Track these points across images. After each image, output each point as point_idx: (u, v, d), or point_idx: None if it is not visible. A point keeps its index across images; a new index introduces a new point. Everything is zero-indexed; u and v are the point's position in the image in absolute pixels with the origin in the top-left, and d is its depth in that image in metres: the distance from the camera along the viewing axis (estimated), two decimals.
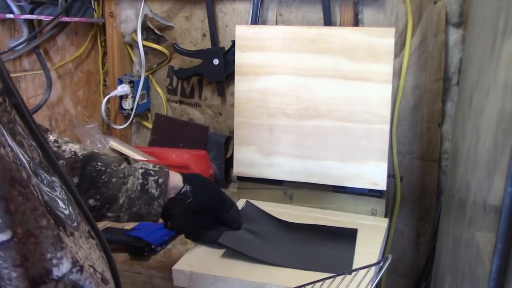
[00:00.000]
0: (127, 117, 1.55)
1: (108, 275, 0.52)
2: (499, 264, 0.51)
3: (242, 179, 1.23)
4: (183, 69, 1.49)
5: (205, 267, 0.91)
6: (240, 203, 1.20)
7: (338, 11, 1.32)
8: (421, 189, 1.36)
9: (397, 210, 1.34)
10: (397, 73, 1.28)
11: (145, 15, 1.48)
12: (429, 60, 1.28)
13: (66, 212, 0.49)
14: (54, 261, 0.42)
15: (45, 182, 0.48)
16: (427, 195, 1.35)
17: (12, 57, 1.66)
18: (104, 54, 1.57)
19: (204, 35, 1.47)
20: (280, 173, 1.19)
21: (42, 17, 1.56)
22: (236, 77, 1.20)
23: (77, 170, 0.82)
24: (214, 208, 0.95)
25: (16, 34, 1.66)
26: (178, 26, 1.49)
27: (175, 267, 0.91)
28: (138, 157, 1.36)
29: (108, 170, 0.84)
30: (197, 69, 1.45)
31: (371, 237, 1.03)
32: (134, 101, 1.51)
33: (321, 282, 0.78)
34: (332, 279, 0.79)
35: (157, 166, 0.90)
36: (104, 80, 1.62)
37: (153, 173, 0.88)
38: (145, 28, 1.50)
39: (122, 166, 0.86)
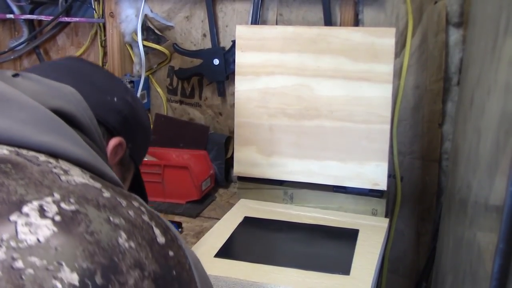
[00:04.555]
0: None
1: None
2: (501, 264, 0.51)
3: (243, 179, 1.23)
4: (183, 69, 1.49)
5: (205, 267, 0.90)
6: (241, 203, 1.20)
7: (339, 11, 1.31)
8: (421, 189, 1.36)
9: (397, 210, 1.33)
10: (397, 73, 1.28)
11: (145, 15, 1.48)
12: (430, 60, 1.28)
13: None
14: None
15: None
16: (427, 195, 1.35)
17: (12, 57, 1.66)
18: (104, 54, 1.57)
19: (204, 35, 1.47)
20: (281, 173, 1.19)
21: (42, 17, 1.56)
22: (236, 77, 1.20)
23: None
24: None
25: (17, 34, 1.66)
26: (178, 26, 1.49)
27: None
28: None
29: None
30: (198, 69, 1.45)
31: (372, 237, 1.03)
32: None
33: None
34: None
35: None
36: None
37: None
38: (145, 28, 1.49)
39: None
